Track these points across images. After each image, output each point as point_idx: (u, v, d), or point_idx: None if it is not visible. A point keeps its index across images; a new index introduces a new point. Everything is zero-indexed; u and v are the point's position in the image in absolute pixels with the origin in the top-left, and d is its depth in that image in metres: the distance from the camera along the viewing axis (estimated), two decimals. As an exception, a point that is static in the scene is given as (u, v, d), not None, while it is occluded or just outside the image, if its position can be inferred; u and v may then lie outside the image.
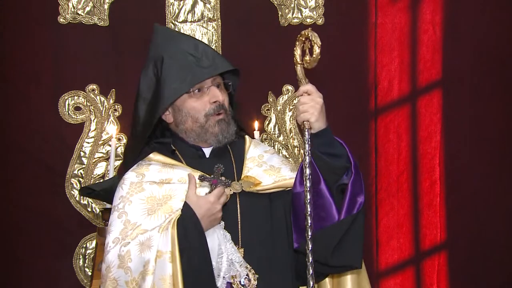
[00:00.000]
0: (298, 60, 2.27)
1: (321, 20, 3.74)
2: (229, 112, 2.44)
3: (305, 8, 3.74)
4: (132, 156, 2.50)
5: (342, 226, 2.26)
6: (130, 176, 2.42)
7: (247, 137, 2.58)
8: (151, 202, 2.34)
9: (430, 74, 3.79)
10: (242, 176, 2.42)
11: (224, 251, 2.25)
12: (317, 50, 2.19)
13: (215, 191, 2.25)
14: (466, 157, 3.77)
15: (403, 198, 3.80)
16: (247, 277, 2.28)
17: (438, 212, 3.78)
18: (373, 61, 3.78)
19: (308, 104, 2.23)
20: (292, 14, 3.74)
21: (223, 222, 2.30)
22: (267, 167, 2.46)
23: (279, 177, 2.43)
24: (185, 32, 3.68)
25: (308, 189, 2.22)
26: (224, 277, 2.25)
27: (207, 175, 2.30)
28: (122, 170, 2.55)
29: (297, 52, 2.27)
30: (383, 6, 3.78)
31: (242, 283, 2.27)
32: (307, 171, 2.23)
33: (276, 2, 3.74)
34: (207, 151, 2.46)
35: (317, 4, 3.74)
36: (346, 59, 3.74)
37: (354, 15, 3.78)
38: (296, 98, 2.30)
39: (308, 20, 3.73)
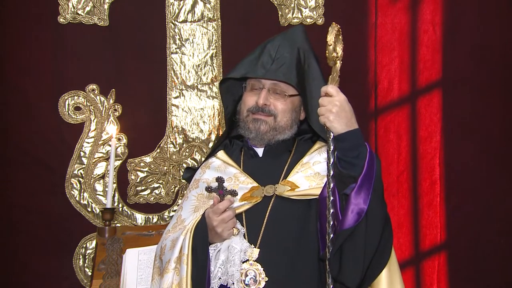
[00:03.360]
0: (340, 57, 2.21)
1: (321, 20, 3.74)
2: (282, 121, 2.45)
3: (305, 8, 3.75)
4: (219, 139, 2.68)
5: (338, 240, 2.18)
6: (197, 172, 2.60)
7: (318, 143, 2.52)
8: (200, 199, 2.48)
9: (430, 74, 3.79)
10: (283, 180, 2.42)
11: (219, 259, 2.29)
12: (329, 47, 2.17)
13: (212, 206, 2.31)
14: (466, 157, 3.77)
15: (403, 198, 3.80)
16: (254, 277, 2.28)
17: (438, 212, 3.78)
18: (373, 61, 3.78)
19: (325, 107, 2.19)
20: (292, 14, 3.74)
21: (243, 230, 2.34)
22: (312, 173, 2.41)
23: (318, 184, 2.37)
24: (185, 32, 3.68)
25: (331, 189, 2.18)
26: (212, 281, 2.30)
27: (212, 186, 2.32)
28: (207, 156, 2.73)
29: (340, 47, 2.21)
30: (383, 6, 3.78)
31: (246, 282, 2.28)
32: (331, 172, 2.18)
33: (276, 2, 3.74)
34: (259, 151, 2.52)
35: (317, 4, 3.74)
36: (346, 59, 3.72)
37: (354, 15, 3.77)
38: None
39: (308, 20, 3.73)
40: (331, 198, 2.19)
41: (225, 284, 2.28)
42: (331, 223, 2.19)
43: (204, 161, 2.66)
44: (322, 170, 2.40)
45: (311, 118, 2.47)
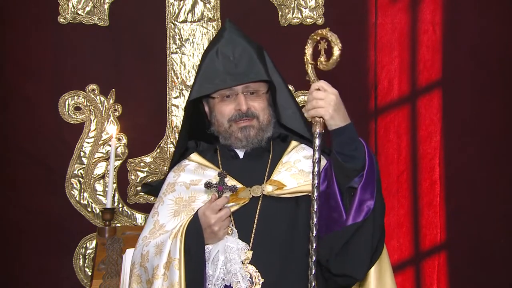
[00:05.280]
0: (310, 59, 2.22)
1: (321, 20, 3.74)
2: (264, 119, 2.42)
3: (305, 8, 3.74)
4: (177, 150, 2.58)
5: (345, 234, 2.18)
6: (169, 176, 2.51)
7: (294, 142, 2.51)
8: (178, 203, 2.40)
9: (430, 74, 3.79)
10: (268, 180, 2.40)
11: (219, 260, 2.25)
12: (337, 52, 2.17)
13: (208, 204, 2.27)
14: (466, 157, 3.77)
15: (403, 198, 3.80)
16: (250, 279, 2.28)
17: (438, 212, 3.78)
18: (373, 61, 3.78)
19: (323, 100, 2.17)
20: (292, 14, 3.74)
21: (235, 231, 2.31)
22: (296, 171, 2.40)
23: (306, 181, 2.35)
24: (185, 32, 3.68)
25: (315, 186, 2.17)
26: (215, 284, 2.25)
27: (212, 182, 2.30)
28: (170, 164, 2.64)
29: (309, 51, 2.21)
30: (383, 6, 3.78)
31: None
32: (315, 168, 2.18)
33: (276, 2, 3.74)
34: (240, 153, 2.48)
35: (317, 4, 3.74)
36: (346, 59, 3.72)
37: (354, 15, 3.77)
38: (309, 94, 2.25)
39: (308, 20, 3.73)
40: (315, 194, 2.18)
41: (228, 285, 2.25)
42: (315, 220, 2.18)
43: (172, 165, 2.58)
44: (306, 167, 2.40)
45: (280, 113, 2.46)
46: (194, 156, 2.52)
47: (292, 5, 3.74)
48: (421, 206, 3.80)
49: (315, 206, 2.18)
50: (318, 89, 2.21)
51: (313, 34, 2.21)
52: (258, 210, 2.36)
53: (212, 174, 2.43)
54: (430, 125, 3.79)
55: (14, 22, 3.60)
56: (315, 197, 2.18)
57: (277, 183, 2.38)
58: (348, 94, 3.72)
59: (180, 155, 2.57)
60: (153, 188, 2.66)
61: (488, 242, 3.77)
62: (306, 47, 2.22)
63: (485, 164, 3.77)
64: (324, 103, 2.18)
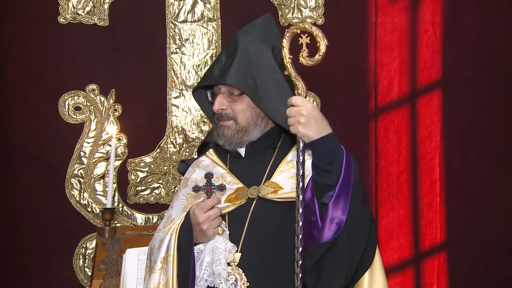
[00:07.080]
0: (288, 53, 2.16)
1: (321, 20, 3.74)
2: (243, 121, 2.41)
3: (305, 8, 3.75)
4: (203, 141, 2.66)
5: (317, 252, 2.15)
6: (187, 171, 2.56)
7: (300, 140, 2.46)
8: (189, 198, 2.44)
9: (430, 74, 3.79)
10: (267, 181, 2.38)
11: (204, 261, 2.26)
12: (323, 48, 2.13)
13: (199, 203, 2.29)
14: (466, 157, 3.77)
15: (403, 198, 3.80)
16: (235, 282, 2.26)
17: (438, 212, 3.78)
18: (373, 61, 3.78)
19: (294, 118, 2.17)
20: (292, 14, 3.74)
21: (227, 231, 2.31)
22: (295, 173, 2.33)
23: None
24: (185, 32, 3.68)
25: (300, 199, 2.14)
26: (198, 284, 2.26)
27: (200, 185, 2.32)
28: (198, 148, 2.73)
29: (287, 45, 2.16)
30: (383, 6, 3.78)
31: (228, 287, 2.25)
32: (300, 181, 2.15)
33: (276, 2, 3.74)
34: (241, 151, 2.48)
35: (317, 4, 3.75)
36: (346, 59, 3.74)
37: (354, 15, 3.78)
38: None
39: (308, 20, 3.74)
40: (300, 197, 2.15)
41: (212, 286, 2.25)
42: (300, 223, 2.15)
43: (199, 150, 2.65)
44: (306, 169, 2.32)
45: (271, 114, 2.43)
46: (210, 152, 2.55)
47: (292, 5, 3.74)
48: (421, 206, 3.80)
49: (300, 210, 2.14)
50: (292, 105, 2.18)
51: (292, 28, 2.17)
52: (250, 211, 2.34)
53: (220, 171, 2.45)
54: (430, 125, 3.79)
55: (14, 22, 3.60)
56: (300, 199, 2.14)
57: (274, 185, 2.36)
58: (348, 94, 3.76)
59: (204, 144, 2.64)
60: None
61: (488, 242, 3.77)
62: (283, 40, 2.18)
63: (485, 164, 3.77)
64: (294, 120, 2.17)
